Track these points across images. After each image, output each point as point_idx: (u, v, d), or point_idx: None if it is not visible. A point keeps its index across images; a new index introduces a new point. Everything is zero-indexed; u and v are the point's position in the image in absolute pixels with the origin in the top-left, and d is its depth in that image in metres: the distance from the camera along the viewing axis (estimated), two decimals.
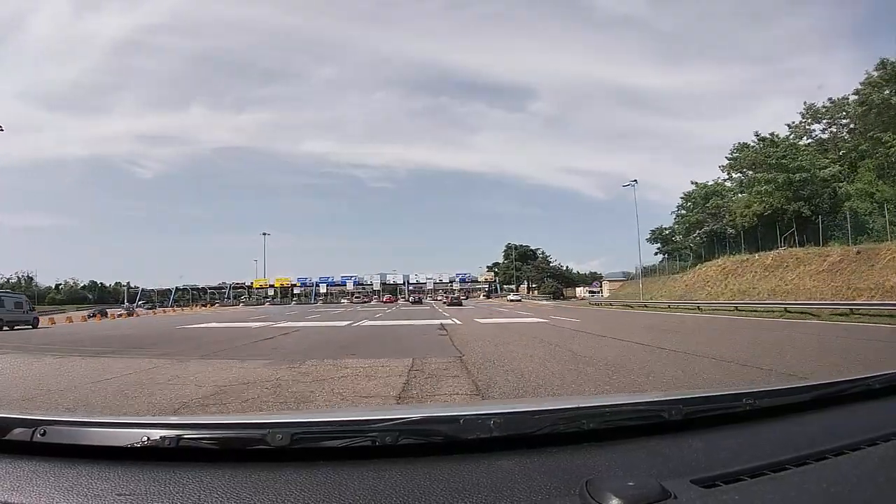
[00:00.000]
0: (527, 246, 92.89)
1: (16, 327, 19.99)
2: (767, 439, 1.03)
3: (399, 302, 64.80)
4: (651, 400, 1.32)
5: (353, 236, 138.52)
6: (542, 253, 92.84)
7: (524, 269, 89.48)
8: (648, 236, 56.02)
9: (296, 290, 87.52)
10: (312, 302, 78.21)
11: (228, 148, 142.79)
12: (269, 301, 78.82)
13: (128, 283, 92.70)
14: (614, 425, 1.02)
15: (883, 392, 1.32)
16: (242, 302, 78.33)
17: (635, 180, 39.86)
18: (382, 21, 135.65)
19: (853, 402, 1.27)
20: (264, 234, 78.83)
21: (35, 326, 21.25)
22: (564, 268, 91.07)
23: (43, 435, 0.89)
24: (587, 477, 0.77)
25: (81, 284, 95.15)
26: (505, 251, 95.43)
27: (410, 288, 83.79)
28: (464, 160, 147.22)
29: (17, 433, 0.90)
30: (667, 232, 52.58)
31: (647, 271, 47.66)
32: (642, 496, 0.70)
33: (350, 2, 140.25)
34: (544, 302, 52.76)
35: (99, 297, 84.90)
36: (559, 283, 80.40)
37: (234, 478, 0.80)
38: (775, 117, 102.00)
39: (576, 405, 1.12)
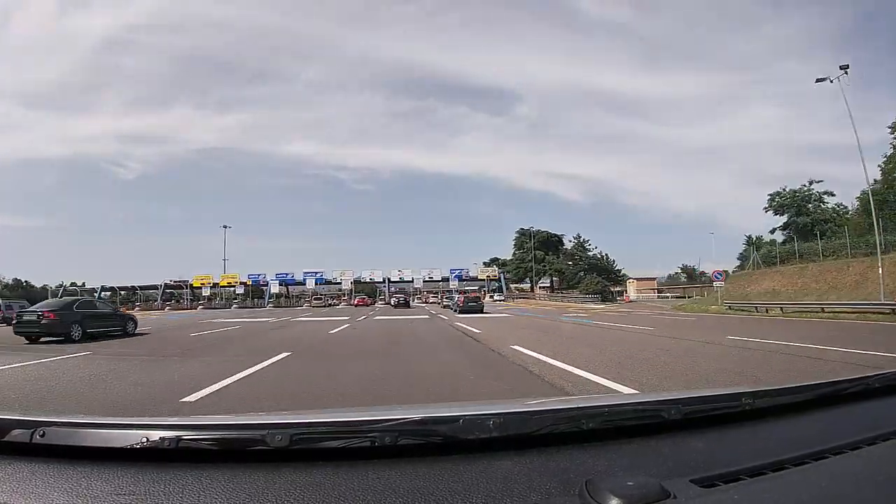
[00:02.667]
0: (547, 231, 72.54)
1: None
2: (767, 439, 1.03)
3: (377, 305, 49.62)
4: (650, 400, 1.31)
5: (335, 238, 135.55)
6: (578, 237, 71.95)
7: (549, 260, 69.83)
8: (766, 205, 38.24)
9: (239, 291, 69.08)
10: (264, 305, 63.50)
11: (209, 149, 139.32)
12: (203, 304, 62.95)
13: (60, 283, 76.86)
14: (614, 425, 1.03)
15: (882, 391, 1.32)
16: (169, 305, 63.31)
17: (846, 67, 21.19)
18: (366, 23, 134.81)
19: (852, 402, 1.27)
20: (224, 226, 65.80)
21: None
22: (605, 257, 70.26)
23: (42, 436, 0.89)
24: (587, 477, 0.78)
25: (4, 283, 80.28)
26: (517, 239, 74.79)
27: (392, 289, 63.55)
28: (449, 163, 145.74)
29: (16, 434, 0.90)
30: (805, 194, 34.67)
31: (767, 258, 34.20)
32: (642, 496, 0.71)
33: (335, 3, 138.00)
34: (600, 306, 36.27)
35: (21, 298, 69.94)
36: (606, 279, 61.21)
37: (233, 478, 0.81)
38: (758, 123, 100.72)
39: (575, 405, 1.12)
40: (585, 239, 72.40)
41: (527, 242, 71.36)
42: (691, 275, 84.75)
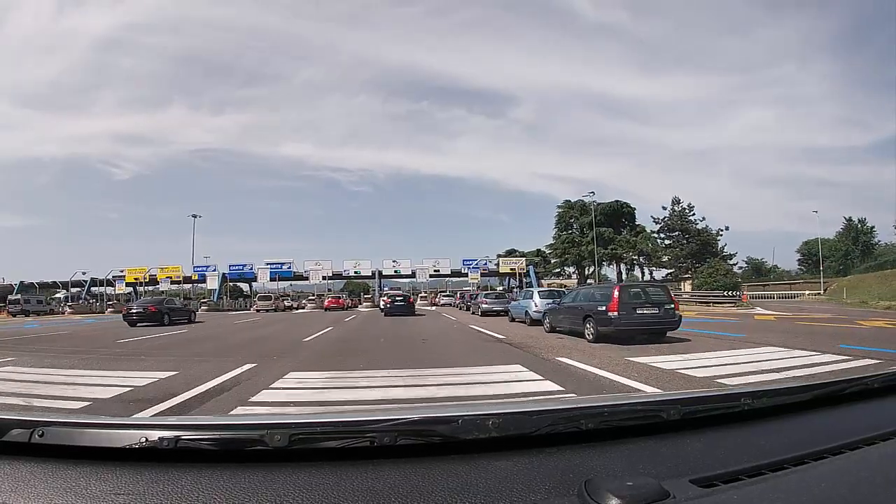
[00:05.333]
0: (616, 200, 52.11)
1: (32, 314, 33.26)
2: (766, 439, 1.04)
3: (361, 309, 36.37)
4: (649, 400, 1.32)
5: (329, 239, 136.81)
6: (677, 202, 46.51)
7: (622, 239, 49.44)
8: None
9: (164, 287, 53.12)
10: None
11: (204, 150, 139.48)
12: (113, 306, 45.77)
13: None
14: (613, 425, 1.03)
15: (881, 391, 1.32)
16: (71, 308, 44.37)
17: None
18: (364, 25, 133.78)
19: (851, 402, 1.28)
20: (194, 216, 51.96)
21: (48, 314, 34.78)
22: (713, 232, 46.25)
23: (41, 436, 0.90)
24: (586, 477, 0.79)
25: None
26: (560, 215, 55.23)
27: (386, 286, 47.31)
28: (447, 165, 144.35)
29: (16, 434, 0.91)
30: None
31: None
32: (641, 496, 0.72)
33: (331, 5, 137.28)
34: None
35: None
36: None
37: (232, 478, 0.82)
38: (754, 125, 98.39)
39: (574, 405, 1.13)
40: (689, 204, 46.43)
41: (580, 217, 52.02)
42: (759, 269, 70.05)
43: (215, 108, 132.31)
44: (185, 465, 0.84)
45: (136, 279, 52.82)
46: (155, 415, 4.41)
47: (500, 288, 46.12)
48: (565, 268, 55.45)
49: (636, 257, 48.91)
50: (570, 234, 54.03)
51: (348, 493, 0.77)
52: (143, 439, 0.87)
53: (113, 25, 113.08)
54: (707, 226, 46.20)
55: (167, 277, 52.85)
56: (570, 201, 54.71)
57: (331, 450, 0.90)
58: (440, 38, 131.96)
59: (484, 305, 21.03)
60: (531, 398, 3.88)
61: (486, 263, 53.28)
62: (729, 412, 1.13)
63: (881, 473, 0.87)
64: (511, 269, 52.93)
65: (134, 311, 18.28)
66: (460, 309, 29.32)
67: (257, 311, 35.56)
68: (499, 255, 57.30)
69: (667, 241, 47.86)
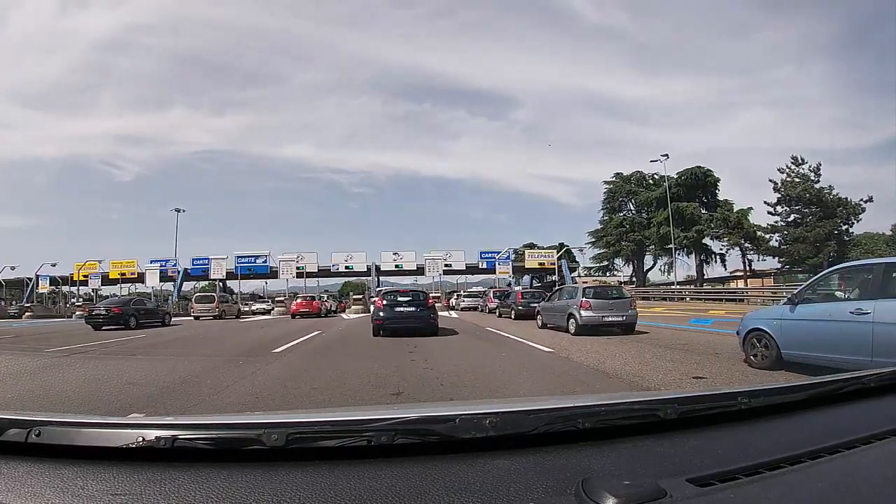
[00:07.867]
0: (697, 167, 40.82)
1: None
2: (763, 438, 1.07)
3: (345, 316, 27.68)
4: (646, 399, 1.35)
5: (327, 241, 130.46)
6: (800, 161, 36.06)
7: (718, 218, 38.78)
8: None
9: (96, 285, 46.15)
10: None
11: (205, 151, 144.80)
12: (31, 310, 39.34)
13: None
14: (610, 425, 1.06)
15: (878, 391, 1.34)
16: None
17: None
18: (364, 26, 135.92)
19: (849, 401, 1.30)
20: (177, 210, 48.52)
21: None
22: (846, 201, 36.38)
23: (38, 436, 0.93)
24: (583, 476, 0.81)
25: None
26: (609, 192, 45.77)
27: (383, 286, 38.32)
28: (446, 167, 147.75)
29: (12, 434, 0.94)
30: None
31: None
32: (638, 495, 0.74)
33: (332, 6, 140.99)
34: None
35: None
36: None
37: (229, 478, 0.85)
38: (751, 126, 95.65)
39: (571, 405, 1.15)
40: (817, 165, 36.02)
41: (638, 193, 42.85)
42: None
43: (215, 109, 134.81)
44: (183, 465, 0.87)
45: (84, 276, 45.53)
46: None
47: (540, 283, 39.03)
48: (615, 261, 46.62)
49: (742, 241, 37.89)
50: (625, 216, 44.76)
51: (346, 492, 0.80)
52: (140, 439, 0.89)
53: (113, 26, 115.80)
54: (839, 195, 35.05)
55: (95, 273, 45.59)
56: (622, 174, 44.90)
57: (328, 449, 0.92)
58: (440, 39, 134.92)
59: (586, 313, 11.20)
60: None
61: (507, 257, 45.40)
62: (726, 411, 1.15)
63: (878, 473, 0.90)
64: (540, 264, 44.59)
65: (96, 313, 17.76)
66: (498, 315, 21.13)
67: (196, 317, 27.32)
68: (516, 250, 47.66)
69: (791, 217, 36.30)
